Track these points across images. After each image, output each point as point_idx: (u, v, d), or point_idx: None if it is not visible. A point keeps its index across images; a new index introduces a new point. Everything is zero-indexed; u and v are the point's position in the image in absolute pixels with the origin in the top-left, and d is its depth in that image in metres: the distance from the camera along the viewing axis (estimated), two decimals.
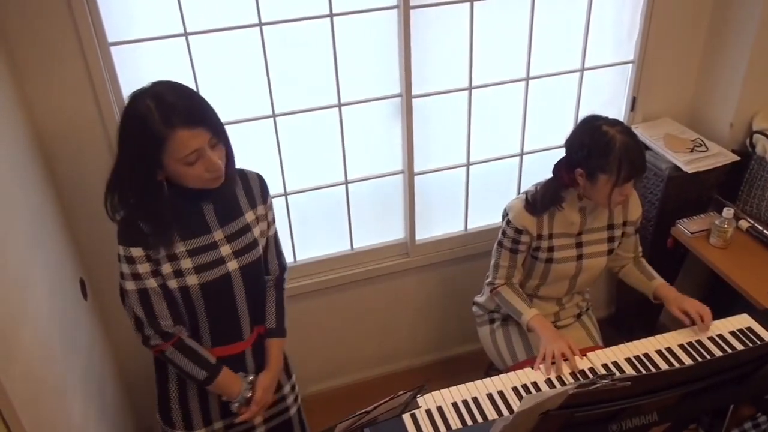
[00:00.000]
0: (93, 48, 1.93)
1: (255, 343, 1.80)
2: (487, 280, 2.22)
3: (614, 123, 1.91)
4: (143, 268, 1.56)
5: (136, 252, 1.55)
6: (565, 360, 1.90)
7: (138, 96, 1.45)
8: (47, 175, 2.03)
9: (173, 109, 1.42)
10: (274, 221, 1.80)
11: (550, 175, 2.05)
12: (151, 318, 1.61)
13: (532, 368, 1.91)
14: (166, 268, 1.58)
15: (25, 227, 1.73)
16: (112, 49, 1.99)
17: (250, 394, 1.74)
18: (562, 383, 1.85)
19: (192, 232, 1.60)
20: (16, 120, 1.85)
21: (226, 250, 1.63)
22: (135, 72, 2.05)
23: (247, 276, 1.68)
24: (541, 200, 2.02)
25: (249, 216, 1.69)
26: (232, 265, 1.64)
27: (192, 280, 1.59)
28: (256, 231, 1.70)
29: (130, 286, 1.59)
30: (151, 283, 1.58)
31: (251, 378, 1.76)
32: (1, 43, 1.83)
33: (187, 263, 1.58)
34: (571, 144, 1.98)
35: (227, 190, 1.63)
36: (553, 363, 1.89)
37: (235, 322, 1.72)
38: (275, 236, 1.81)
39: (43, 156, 2.03)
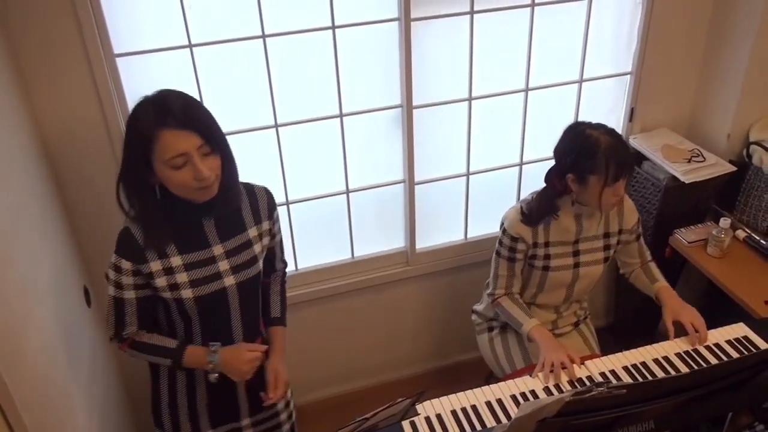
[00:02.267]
0: (99, 59, 1.96)
1: None
2: (488, 291, 2.24)
3: (597, 126, 1.96)
4: (127, 280, 1.58)
5: (125, 264, 1.57)
6: (564, 369, 1.92)
7: (142, 100, 1.49)
8: (53, 184, 2.06)
9: (166, 110, 1.44)
10: (279, 231, 1.82)
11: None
12: (119, 323, 1.64)
13: (531, 376, 1.92)
14: (161, 282, 1.58)
15: (31, 234, 1.76)
16: (118, 60, 2.02)
17: (217, 359, 1.67)
18: (560, 391, 1.87)
19: (190, 246, 1.60)
20: (23, 129, 1.88)
21: (224, 265, 1.63)
22: (140, 83, 2.08)
23: (243, 292, 1.68)
24: (537, 210, 2.05)
25: (252, 232, 1.69)
26: (229, 281, 1.64)
27: (187, 294, 1.60)
28: (257, 247, 1.70)
29: (110, 290, 1.61)
30: (130, 294, 1.61)
31: (215, 347, 1.68)
32: (8, 54, 1.86)
33: (182, 277, 1.59)
34: (558, 151, 2.03)
35: (229, 205, 1.63)
36: (551, 371, 1.91)
37: (228, 335, 1.72)
38: (280, 241, 1.85)
39: (49, 164, 2.05)
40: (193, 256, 1.60)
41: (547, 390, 1.87)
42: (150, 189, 1.53)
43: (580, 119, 2.63)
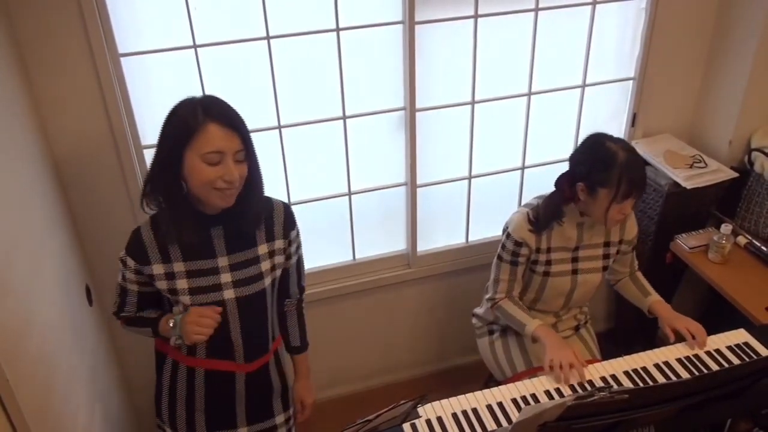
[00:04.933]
0: (104, 58, 1.97)
1: (251, 373, 1.76)
2: (487, 296, 2.24)
3: (618, 140, 1.95)
4: (130, 275, 1.65)
5: (130, 262, 1.62)
6: (571, 368, 1.91)
7: (186, 99, 1.52)
8: (56, 184, 2.06)
9: (216, 108, 1.49)
10: (297, 252, 1.78)
11: (551, 188, 2.08)
12: (120, 306, 1.73)
13: (532, 377, 1.92)
14: (161, 285, 1.61)
15: (34, 233, 1.76)
16: (123, 60, 2.02)
17: (173, 322, 1.62)
18: (561, 395, 1.87)
19: (195, 253, 1.60)
20: (26, 128, 1.88)
21: (226, 277, 1.62)
22: (144, 83, 2.09)
23: (243, 307, 1.65)
24: (543, 215, 2.05)
25: (261, 249, 1.66)
26: (228, 294, 1.62)
27: (185, 300, 1.61)
28: (266, 264, 1.66)
29: (118, 277, 1.68)
30: (133, 287, 1.67)
31: (179, 309, 1.65)
32: (14, 52, 1.86)
33: (182, 284, 1.60)
34: (574, 159, 2.02)
35: (243, 218, 1.61)
36: (561, 370, 1.90)
37: (228, 345, 1.69)
38: (299, 262, 1.81)
39: (53, 165, 2.05)
40: (196, 264, 1.60)
41: (547, 393, 1.88)
42: (178, 182, 1.52)
43: (582, 124, 2.65)
